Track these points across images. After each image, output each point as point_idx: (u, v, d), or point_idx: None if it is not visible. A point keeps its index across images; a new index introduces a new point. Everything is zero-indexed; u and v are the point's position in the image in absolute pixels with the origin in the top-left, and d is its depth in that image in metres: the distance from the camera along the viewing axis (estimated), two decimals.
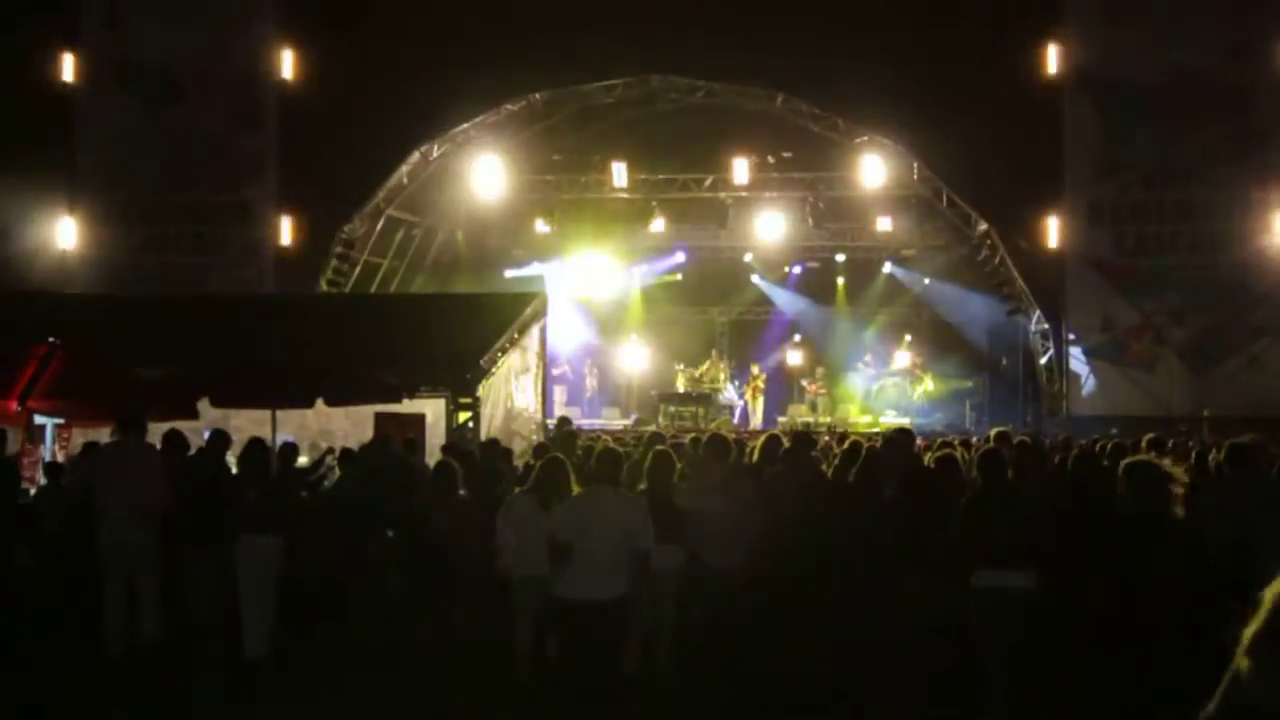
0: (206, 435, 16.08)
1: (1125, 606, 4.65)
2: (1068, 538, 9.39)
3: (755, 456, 13.13)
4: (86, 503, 13.26)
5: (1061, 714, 9.42)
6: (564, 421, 23.06)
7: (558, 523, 9.67)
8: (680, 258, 38.12)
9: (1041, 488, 11.82)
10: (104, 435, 16.58)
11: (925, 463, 12.66)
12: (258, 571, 12.83)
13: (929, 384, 35.35)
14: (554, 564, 9.57)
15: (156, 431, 14.66)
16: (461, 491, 12.36)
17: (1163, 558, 7.84)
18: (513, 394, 22.42)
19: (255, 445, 14.16)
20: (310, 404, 17.44)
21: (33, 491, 15.35)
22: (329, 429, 20.01)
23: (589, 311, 38.54)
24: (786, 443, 13.63)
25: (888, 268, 37.09)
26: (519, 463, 16.71)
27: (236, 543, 12.94)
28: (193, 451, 15.29)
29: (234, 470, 14.74)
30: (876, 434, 18.63)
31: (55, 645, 12.36)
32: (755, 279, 38.52)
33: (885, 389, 35.89)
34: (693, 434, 20.07)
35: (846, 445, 13.75)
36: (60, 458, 17.28)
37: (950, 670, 10.00)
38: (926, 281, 36.12)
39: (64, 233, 31.85)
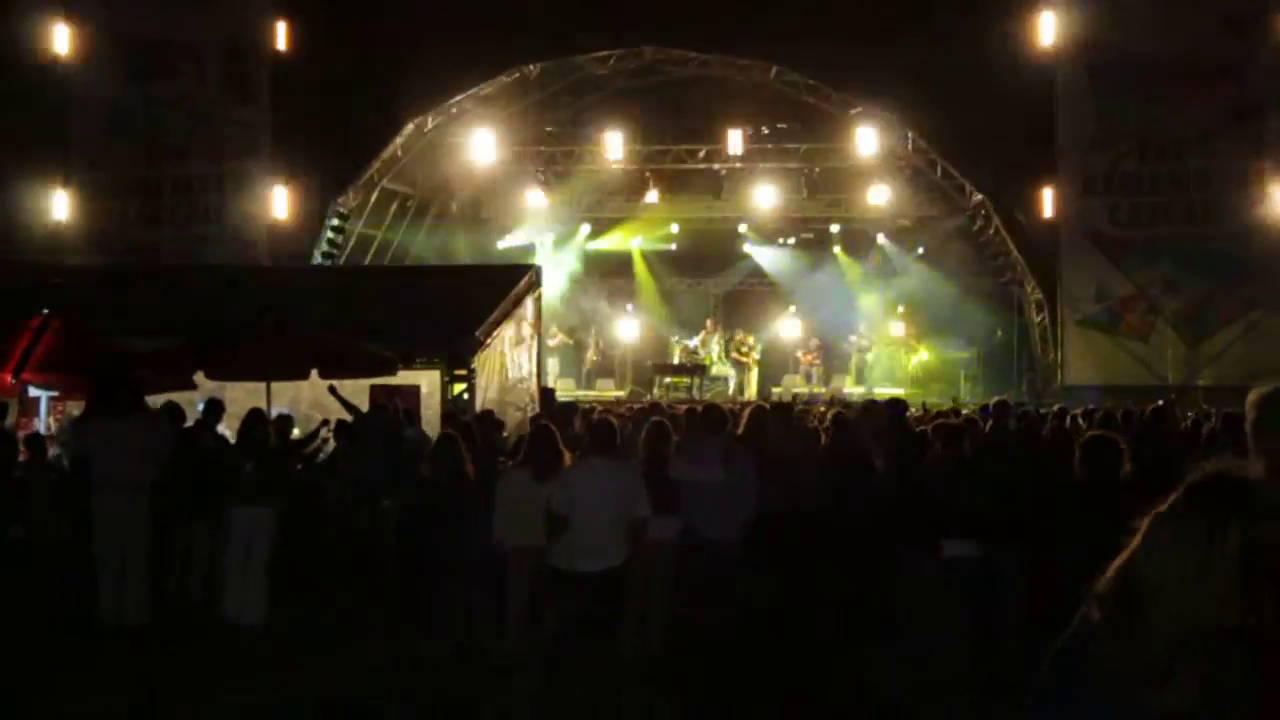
0: (200, 406, 16.09)
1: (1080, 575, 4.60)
2: (1040, 507, 9.37)
3: (741, 428, 13.11)
4: (81, 473, 13.29)
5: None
6: (546, 392, 23.15)
7: (553, 494, 9.68)
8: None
9: (1023, 459, 11.85)
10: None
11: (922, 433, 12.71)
12: (253, 541, 12.91)
13: (923, 354, 35.38)
14: (550, 535, 9.59)
15: (153, 405, 14.67)
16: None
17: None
18: (507, 365, 22.41)
19: (255, 416, 14.23)
20: (305, 376, 17.44)
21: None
22: (323, 401, 19.97)
23: (583, 282, 38.54)
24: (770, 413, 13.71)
25: (882, 239, 37.07)
26: (509, 434, 16.77)
27: (231, 513, 12.99)
28: (189, 423, 15.31)
29: (230, 441, 14.78)
30: (874, 404, 18.57)
31: (50, 616, 12.35)
32: (749, 250, 38.50)
33: (880, 360, 35.91)
34: (688, 404, 20.12)
35: (833, 417, 13.79)
36: (53, 430, 17.26)
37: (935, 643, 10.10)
38: (921, 251, 36.11)
39: (57, 205, 31.78)
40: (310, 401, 20.08)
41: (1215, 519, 3.21)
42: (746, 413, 13.80)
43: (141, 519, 12.89)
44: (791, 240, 38.33)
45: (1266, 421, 4.37)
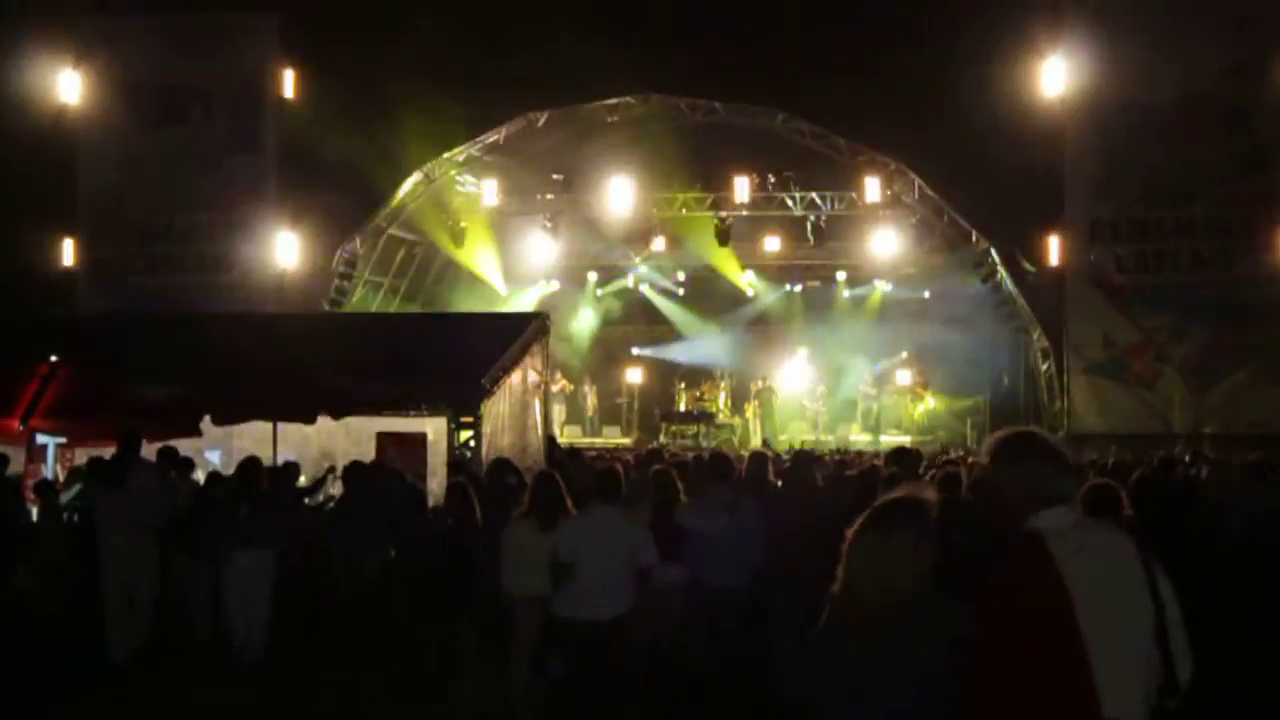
0: (209, 456, 16.14)
1: None
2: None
3: (743, 474, 13.11)
4: (87, 518, 13.35)
5: None
6: (549, 441, 23.19)
7: (559, 543, 9.67)
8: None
9: None
10: (107, 454, 16.61)
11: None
12: (249, 584, 12.99)
13: (930, 402, 35.35)
14: (555, 584, 9.58)
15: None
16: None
17: None
18: (521, 413, 22.41)
19: (249, 462, 14.31)
20: (312, 419, 17.47)
21: (34, 511, 15.37)
22: (330, 449, 20.00)
23: (589, 330, 38.61)
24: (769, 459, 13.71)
25: (889, 286, 37.11)
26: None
27: (229, 556, 13.07)
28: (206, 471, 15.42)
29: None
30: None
31: (57, 660, 12.38)
32: (756, 298, 38.55)
33: (886, 407, 35.88)
34: (695, 452, 20.11)
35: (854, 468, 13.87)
36: (60, 477, 17.28)
37: None
38: (927, 298, 36.12)
39: (65, 251, 31.83)
40: (319, 449, 20.11)
41: (887, 526, 5.08)
42: (747, 459, 13.84)
43: (146, 559, 12.96)
44: (798, 288, 38.41)
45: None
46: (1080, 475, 8.05)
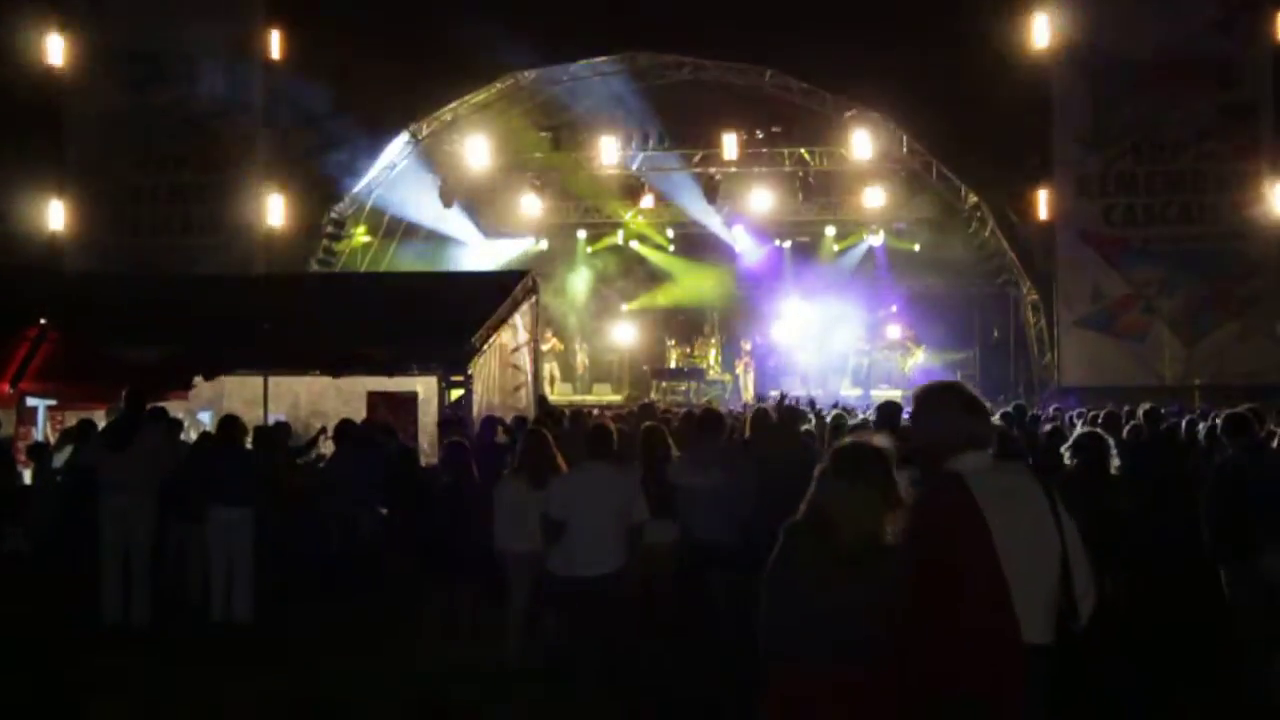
0: (201, 417, 16.14)
1: None
2: None
3: (747, 431, 13.21)
4: (79, 480, 13.35)
5: None
6: (540, 399, 23.19)
7: (550, 500, 9.68)
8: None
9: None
10: (97, 416, 16.60)
11: None
12: (230, 542, 13.01)
13: (920, 356, 35.35)
14: (548, 541, 9.60)
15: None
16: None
17: None
18: (511, 371, 22.44)
19: (227, 419, 14.40)
20: (304, 373, 17.49)
21: (27, 474, 15.37)
22: (321, 408, 20.04)
23: (578, 288, 38.57)
24: (773, 417, 13.69)
25: (878, 241, 37.09)
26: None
27: (209, 514, 13.24)
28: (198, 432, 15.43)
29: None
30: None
31: (50, 623, 12.40)
32: (745, 253, 38.52)
33: (876, 362, 35.89)
34: (685, 409, 20.12)
35: (832, 420, 13.89)
36: (52, 439, 17.28)
37: None
38: (917, 253, 36.11)
39: (53, 214, 31.75)
40: (309, 409, 20.14)
41: (854, 473, 5.27)
42: (749, 416, 13.87)
43: (147, 519, 13.00)
44: (787, 243, 38.34)
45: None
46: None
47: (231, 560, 13.11)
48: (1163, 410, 15.62)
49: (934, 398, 5.64)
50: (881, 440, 5.51)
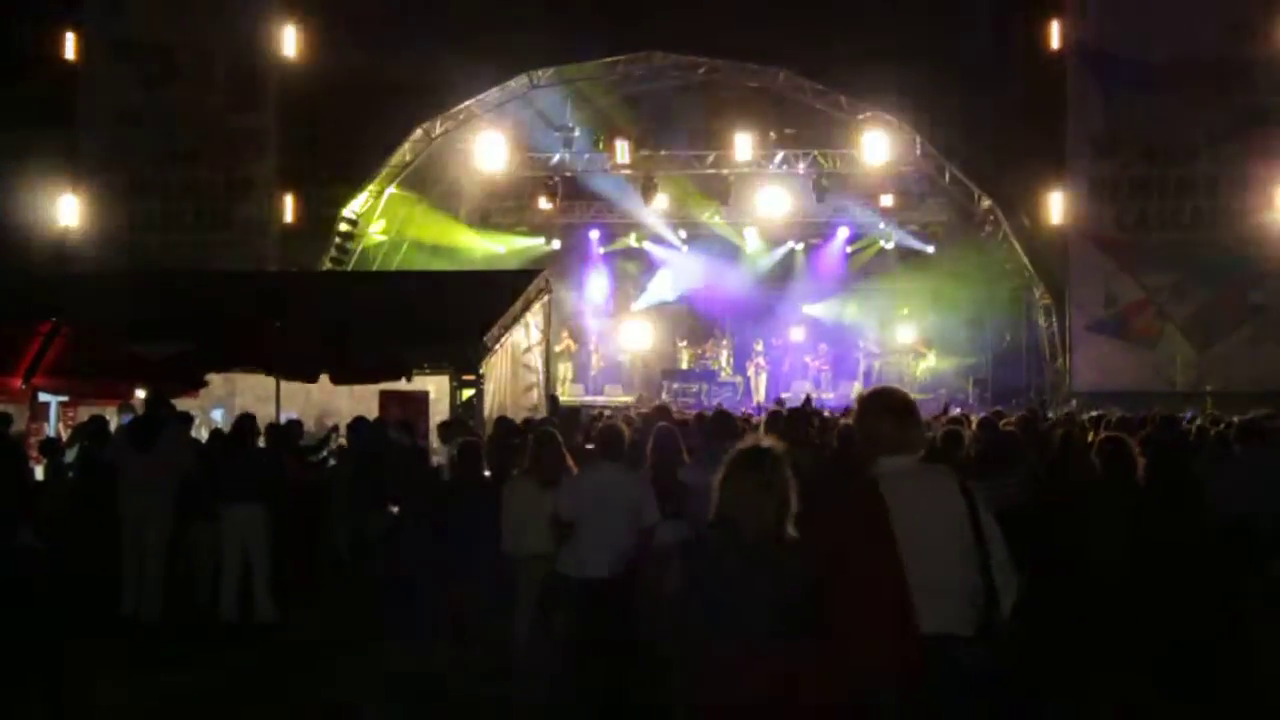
0: (213, 415, 16.17)
1: None
2: None
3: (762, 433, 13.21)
4: (105, 475, 13.39)
5: None
6: (552, 400, 23.16)
7: (559, 501, 9.67)
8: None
9: None
10: (108, 413, 16.63)
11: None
12: (247, 540, 13.04)
13: (932, 360, 35.35)
14: (557, 543, 9.60)
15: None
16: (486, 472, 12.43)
17: None
18: (522, 371, 22.45)
19: (243, 418, 14.45)
20: (314, 378, 17.49)
21: (39, 470, 15.40)
22: (332, 407, 20.04)
23: (592, 287, 38.60)
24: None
25: (890, 244, 37.07)
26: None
27: (222, 512, 13.35)
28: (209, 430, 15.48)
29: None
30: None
31: (60, 620, 12.40)
32: (758, 255, 38.54)
33: (888, 365, 35.88)
34: (697, 411, 20.11)
35: (840, 425, 13.91)
36: (64, 436, 17.30)
37: None
38: (929, 256, 36.09)
39: (66, 210, 31.79)
40: (320, 406, 20.15)
41: (748, 474, 5.76)
42: (765, 418, 13.89)
43: (165, 519, 13.05)
44: (800, 246, 38.35)
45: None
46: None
47: (248, 559, 13.14)
48: (1177, 416, 15.61)
49: (867, 404, 6.13)
50: (771, 442, 5.96)
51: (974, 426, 14.07)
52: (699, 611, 5.76)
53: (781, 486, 5.74)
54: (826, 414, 19.87)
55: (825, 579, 5.50)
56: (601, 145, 34.21)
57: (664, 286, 39.23)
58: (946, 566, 5.54)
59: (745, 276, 38.94)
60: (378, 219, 34.38)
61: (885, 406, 5.99)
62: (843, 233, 37.38)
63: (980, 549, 5.62)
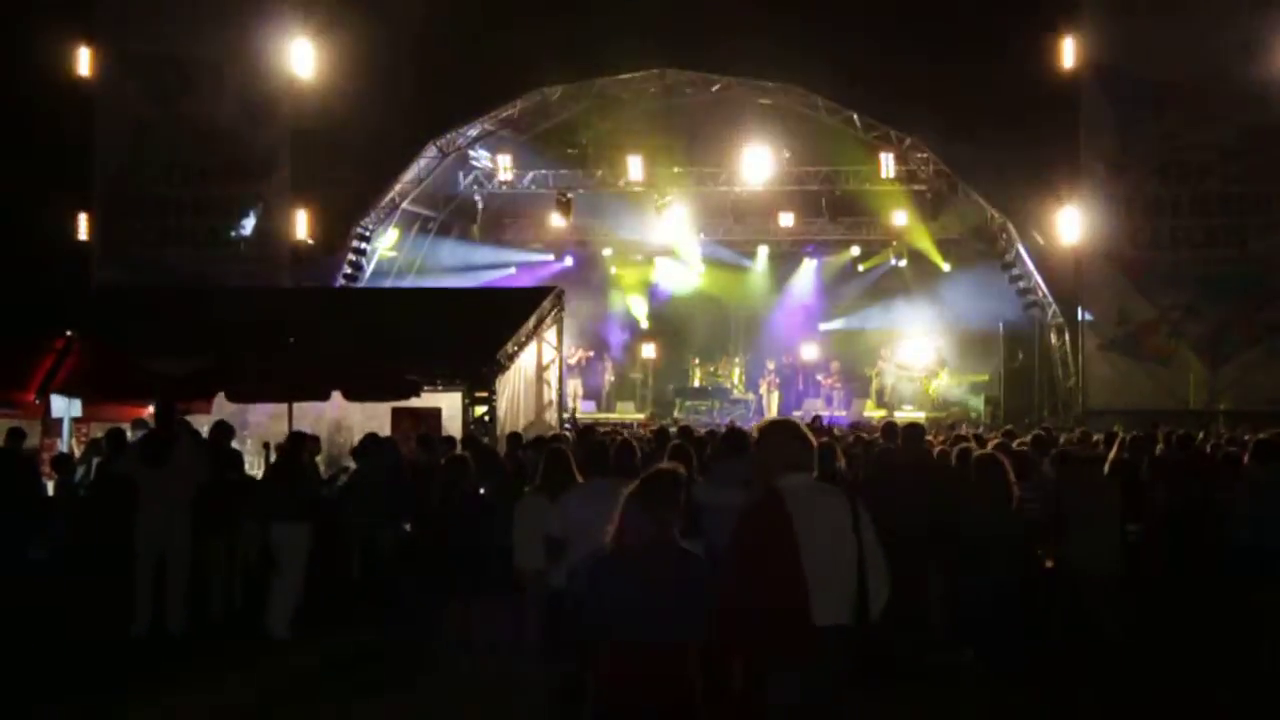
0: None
1: None
2: None
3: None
4: (119, 489, 13.40)
5: None
6: (573, 420, 23.17)
7: (554, 517, 9.67)
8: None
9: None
10: (124, 427, 16.62)
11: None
12: (286, 557, 13.07)
13: (944, 378, 35.30)
14: (549, 559, 9.60)
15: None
16: (481, 489, 12.42)
17: None
18: (539, 388, 22.45)
19: (294, 436, 14.60)
20: (326, 397, 17.48)
21: (51, 485, 15.41)
22: (345, 423, 20.04)
23: (605, 304, 38.63)
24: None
25: (903, 262, 37.08)
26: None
27: (269, 528, 13.35)
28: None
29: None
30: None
31: (71, 635, 12.41)
32: (771, 272, 38.56)
33: (901, 383, 35.85)
34: (708, 428, 20.10)
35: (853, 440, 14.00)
36: (76, 451, 17.31)
37: None
38: (943, 274, 36.08)
39: (80, 226, 31.87)
40: (332, 423, 20.14)
41: (659, 492, 6.59)
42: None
43: (183, 531, 13.06)
44: (813, 263, 38.38)
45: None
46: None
47: (282, 574, 13.18)
48: (1189, 434, 15.58)
49: (769, 430, 7.17)
50: (671, 466, 7.03)
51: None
52: (603, 613, 6.45)
53: (670, 504, 6.63)
54: (837, 431, 19.90)
55: (737, 573, 6.44)
56: (614, 162, 34.22)
57: (676, 304, 39.24)
58: (835, 567, 6.47)
59: (758, 294, 38.96)
60: (390, 235, 34.44)
61: (788, 433, 6.98)
62: (855, 250, 37.39)
63: (860, 554, 6.58)
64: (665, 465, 7.09)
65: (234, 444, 15.91)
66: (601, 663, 6.53)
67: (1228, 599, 10.96)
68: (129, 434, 16.07)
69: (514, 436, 16.41)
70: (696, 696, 6.36)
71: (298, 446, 14.18)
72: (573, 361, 33.33)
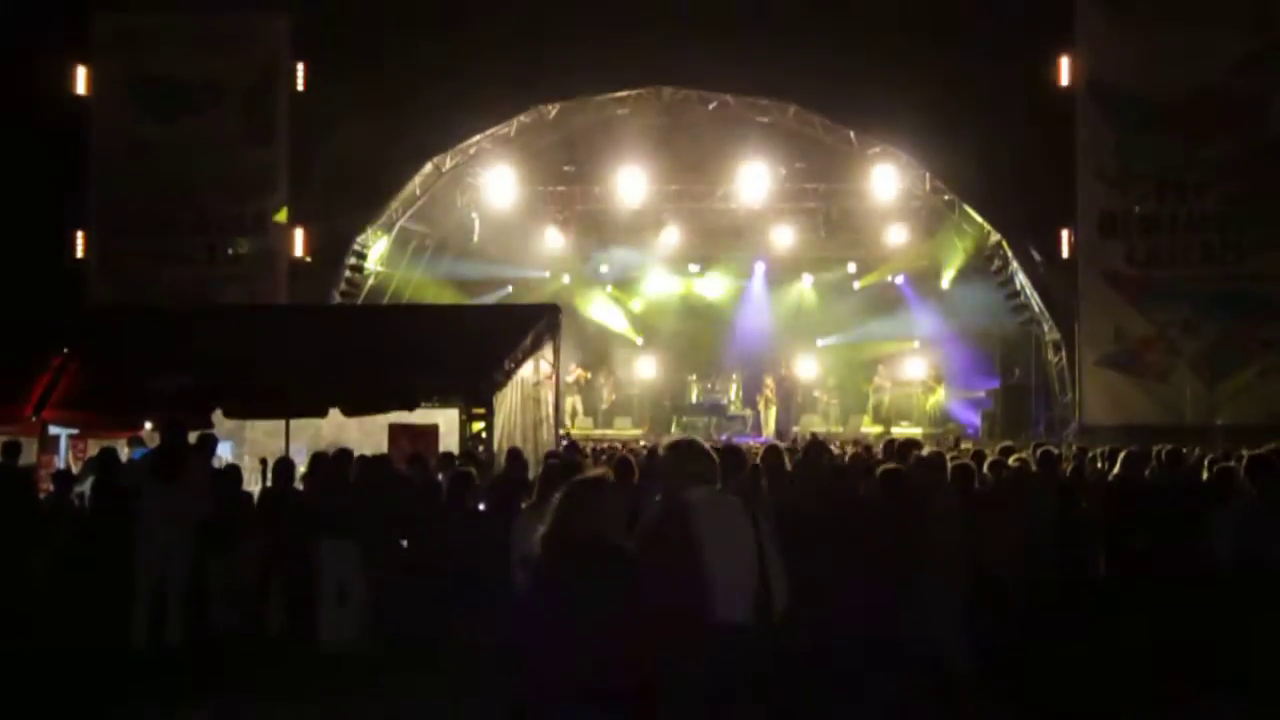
0: (220, 450, 16.15)
1: None
2: None
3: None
4: (120, 502, 13.41)
5: None
6: (567, 440, 23.17)
7: (531, 534, 9.69)
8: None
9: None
10: (119, 445, 16.64)
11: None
12: (339, 573, 13.35)
13: (941, 394, 35.33)
14: (518, 576, 9.61)
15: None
16: (481, 506, 12.43)
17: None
18: (532, 406, 22.41)
19: (341, 452, 14.91)
20: (323, 414, 17.49)
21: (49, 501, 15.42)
22: (341, 440, 20.01)
23: (601, 321, 38.66)
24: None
25: (899, 278, 37.13)
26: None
27: (320, 546, 13.47)
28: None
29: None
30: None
31: (68, 651, 12.41)
32: (768, 289, 38.60)
33: (897, 399, 35.88)
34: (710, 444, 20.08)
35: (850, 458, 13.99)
36: (74, 468, 17.33)
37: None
38: (940, 288, 36.14)
39: (77, 244, 31.88)
40: (330, 440, 20.12)
41: (593, 493, 6.75)
42: (761, 451, 13.92)
43: (186, 552, 13.07)
44: (809, 280, 38.44)
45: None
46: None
47: (341, 590, 13.29)
48: (1184, 451, 15.56)
49: (679, 449, 7.86)
50: (600, 472, 7.60)
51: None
52: (535, 607, 6.77)
53: (600, 506, 6.81)
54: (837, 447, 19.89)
55: (646, 575, 6.60)
56: (611, 180, 34.26)
57: (673, 320, 39.28)
58: (733, 569, 7.16)
59: (755, 310, 39.00)
60: (388, 252, 34.47)
61: (694, 451, 7.78)
62: (852, 267, 37.45)
63: (760, 558, 7.34)
64: (593, 472, 7.63)
65: (231, 460, 15.95)
66: (530, 660, 6.68)
67: (1214, 616, 10.90)
68: (125, 451, 16.11)
69: (514, 452, 16.40)
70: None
71: (345, 461, 14.49)
72: (570, 379, 33.34)
